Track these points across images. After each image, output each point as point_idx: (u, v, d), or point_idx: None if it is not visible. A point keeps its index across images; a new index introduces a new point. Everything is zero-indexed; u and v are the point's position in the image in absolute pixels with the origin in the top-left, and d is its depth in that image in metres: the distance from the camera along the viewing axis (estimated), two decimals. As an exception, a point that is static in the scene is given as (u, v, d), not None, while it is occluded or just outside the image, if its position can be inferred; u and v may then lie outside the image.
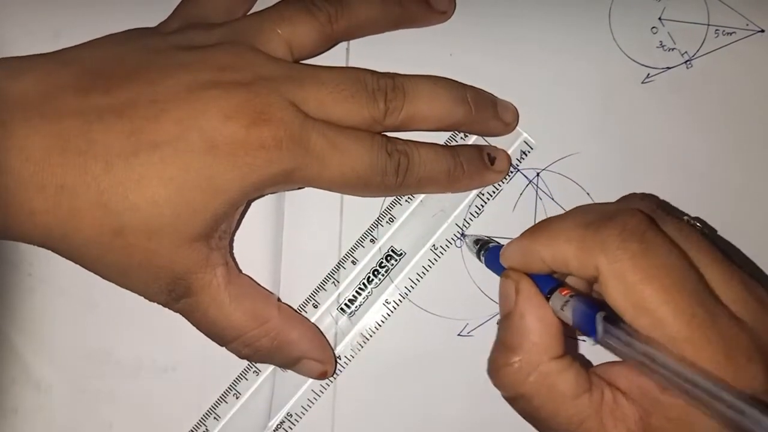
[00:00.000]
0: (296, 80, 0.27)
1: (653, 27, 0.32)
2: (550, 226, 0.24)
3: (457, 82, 0.30)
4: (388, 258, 0.31)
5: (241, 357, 0.28)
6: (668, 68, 0.32)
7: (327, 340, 0.30)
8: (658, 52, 0.32)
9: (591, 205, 0.27)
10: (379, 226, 0.31)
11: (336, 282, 0.31)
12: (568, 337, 0.25)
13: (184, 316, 0.27)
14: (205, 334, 0.28)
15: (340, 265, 0.31)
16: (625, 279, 0.22)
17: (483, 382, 0.31)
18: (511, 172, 0.31)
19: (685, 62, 0.32)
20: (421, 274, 0.31)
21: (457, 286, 0.31)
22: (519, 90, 0.31)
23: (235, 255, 0.30)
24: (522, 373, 0.23)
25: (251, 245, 0.31)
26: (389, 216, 0.31)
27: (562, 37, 0.32)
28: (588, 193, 0.31)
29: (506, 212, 0.31)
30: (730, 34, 0.32)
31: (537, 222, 0.26)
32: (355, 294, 0.31)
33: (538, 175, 0.31)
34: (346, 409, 0.31)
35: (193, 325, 0.28)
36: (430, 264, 0.31)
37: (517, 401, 0.24)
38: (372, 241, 0.31)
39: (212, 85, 0.26)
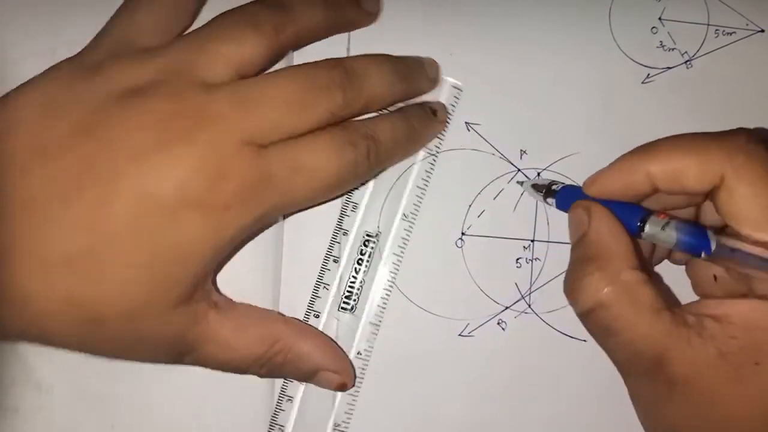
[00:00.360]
0: (246, 108, 0.25)
1: (653, 27, 0.32)
2: (659, 144, 0.25)
3: (391, 56, 0.29)
4: (366, 243, 0.31)
5: (261, 377, 0.28)
6: (668, 68, 0.32)
7: (342, 350, 0.30)
8: (658, 52, 0.32)
9: (689, 133, 0.26)
10: (345, 216, 0.31)
11: (326, 286, 0.31)
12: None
13: (197, 366, 0.27)
14: (224, 372, 0.28)
15: (323, 267, 0.31)
16: (755, 185, 0.22)
17: (483, 382, 0.31)
18: (512, 172, 0.31)
19: (685, 62, 0.32)
20: (403, 246, 0.31)
21: (457, 286, 0.31)
22: (519, 90, 0.32)
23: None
24: (602, 280, 0.23)
25: (245, 268, 0.30)
26: (351, 204, 0.31)
27: (562, 37, 0.32)
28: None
29: (506, 212, 0.31)
30: (730, 34, 0.32)
31: (635, 147, 0.26)
32: (349, 289, 0.31)
33: (538, 175, 0.31)
34: (346, 408, 0.31)
35: (210, 369, 0.28)
36: (408, 234, 0.31)
37: (595, 311, 0.24)
38: (345, 234, 0.31)
39: (159, 146, 0.23)
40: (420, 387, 0.31)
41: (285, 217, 0.31)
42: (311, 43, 0.30)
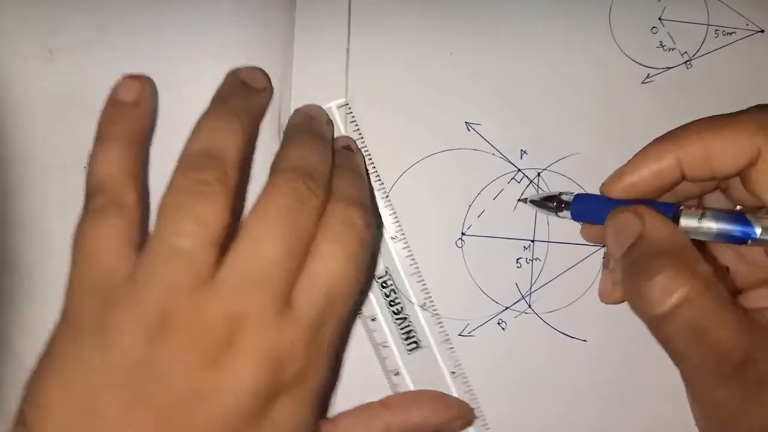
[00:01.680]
0: (251, 289, 0.23)
1: (653, 27, 0.32)
2: (685, 129, 0.24)
3: (300, 129, 0.29)
4: (384, 285, 0.31)
5: None
6: (668, 68, 0.32)
7: (443, 393, 0.30)
8: (658, 52, 0.32)
9: (712, 116, 0.25)
10: None
11: (384, 344, 0.31)
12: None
13: None
14: None
15: (368, 330, 0.31)
16: None
17: (483, 383, 0.31)
18: (512, 172, 0.32)
19: (685, 62, 0.32)
20: (413, 264, 0.31)
21: (457, 286, 0.31)
22: (519, 90, 0.32)
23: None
24: (680, 275, 0.22)
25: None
26: None
27: (562, 37, 0.32)
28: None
29: (506, 212, 0.31)
30: (730, 34, 0.32)
31: (659, 136, 0.25)
32: (402, 332, 0.31)
33: (538, 175, 0.31)
34: (345, 408, 0.31)
35: None
36: (408, 251, 0.31)
37: (677, 313, 0.22)
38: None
39: (208, 371, 0.23)
40: (388, 250, 0.31)
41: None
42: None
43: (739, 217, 0.23)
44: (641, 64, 0.32)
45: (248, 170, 0.29)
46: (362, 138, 0.31)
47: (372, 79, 0.32)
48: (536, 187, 0.31)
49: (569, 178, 0.31)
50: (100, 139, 0.27)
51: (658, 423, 0.31)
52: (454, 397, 0.30)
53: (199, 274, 0.23)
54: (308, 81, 0.31)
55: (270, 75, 0.31)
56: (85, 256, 0.25)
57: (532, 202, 0.30)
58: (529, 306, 0.31)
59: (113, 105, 0.28)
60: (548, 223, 0.31)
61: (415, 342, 0.31)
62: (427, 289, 0.31)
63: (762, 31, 0.32)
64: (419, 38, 0.32)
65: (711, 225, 0.23)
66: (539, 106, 0.31)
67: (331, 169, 0.27)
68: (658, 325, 0.22)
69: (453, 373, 0.30)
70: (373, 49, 0.32)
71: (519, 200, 0.31)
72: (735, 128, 0.23)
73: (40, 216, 0.32)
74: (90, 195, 0.26)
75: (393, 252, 0.31)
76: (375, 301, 0.31)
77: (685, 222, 0.24)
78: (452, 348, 0.31)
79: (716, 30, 0.32)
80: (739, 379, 0.21)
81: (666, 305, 0.22)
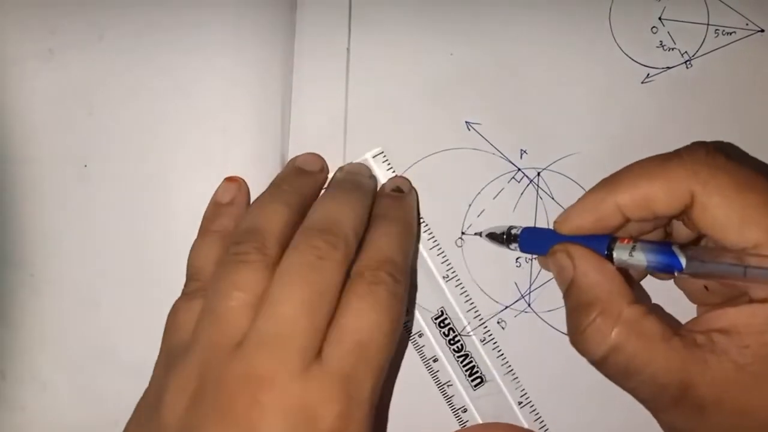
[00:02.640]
0: (280, 345, 0.24)
1: (653, 27, 0.32)
2: (622, 175, 0.25)
3: (338, 186, 0.30)
4: (442, 324, 0.31)
5: None
6: (668, 68, 0.32)
7: (515, 426, 0.30)
8: (658, 52, 0.32)
9: (649, 157, 0.26)
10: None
11: (449, 383, 0.31)
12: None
13: None
14: None
15: (431, 371, 0.31)
16: (726, 194, 0.22)
17: (482, 382, 0.31)
18: (512, 171, 0.32)
19: (685, 62, 0.32)
20: (467, 300, 0.31)
21: (457, 286, 0.31)
22: (519, 90, 0.32)
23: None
24: (606, 325, 0.23)
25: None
26: None
27: (562, 37, 0.32)
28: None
29: (506, 212, 0.31)
30: (730, 34, 0.32)
31: (600, 181, 0.26)
32: (466, 368, 0.31)
33: (538, 174, 0.32)
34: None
35: None
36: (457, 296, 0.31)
37: (608, 358, 0.23)
38: (420, 335, 0.31)
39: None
40: (441, 290, 0.31)
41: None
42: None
43: (666, 250, 0.23)
44: (641, 64, 0.32)
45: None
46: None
47: (372, 79, 0.32)
48: (536, 186, 0.31)
49: (569, 178, 0.31)
50: (202, 232, 0.30)
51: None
52: (527, 430, 0.30)
53: (232, 336, 0.24)
54: (309, 81, 0.32)
55: (270, 75, 0.31)
56: (169, 330, 0.28)
57: (488, 236, 0.31)
58: (529, 305, 0.31)
59: (214, 205, 0.31)
60: (548, 223, 0.31)
61: (480, 377, 0.31)
62: (485, 324, 0.31)
63: (762, 31, 0.32)
64: (419, 38, 0.32)
65: (641, 258, 0.24)
66: (539, 106, 0.32)
67: (369, 218, 0.28)
68: (598, 368, 0.24)
69: (520, 403, 0.31)
70: (373, 49, 0.32)
71: (475, 233, 0.31)
72: (667, 175, 0.23)
73: (40, 216, 0.32)
74: (187, 279, 0.29)
75: (447, 291, 0.31)
76: (434, 341, 0.31)
77: (618, 255, 0.24)
78: (517, 378, 0.31)
79: (716, 30, 0.32)
80: (679, 407, 0.23)
81: (597, 354, 0.23)
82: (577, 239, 0.26)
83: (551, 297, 0.31)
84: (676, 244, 0.23)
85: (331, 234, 0.26)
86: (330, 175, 0.31)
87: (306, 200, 0.29)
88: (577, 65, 0.32)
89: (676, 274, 0.23)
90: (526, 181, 0.32)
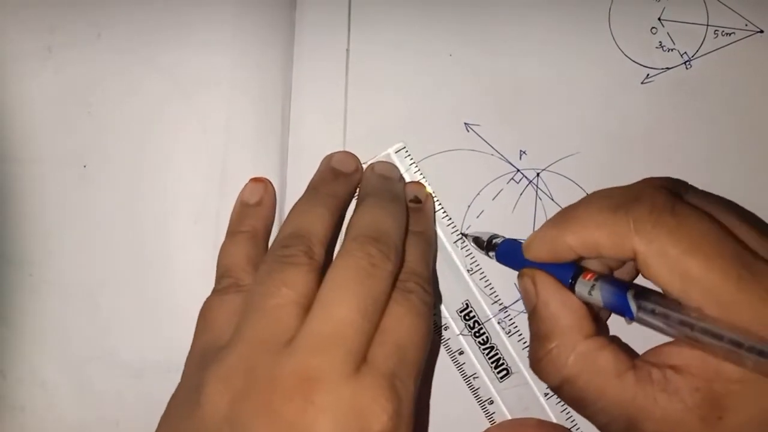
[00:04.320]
0: (330, 347, 0.24)
1: (653, 27, 0.32)
2: (575, 214, 0.25)
3: (376, 193, 0.30)
4: (467, 317, 0.31)
5: None
6: (668, 68, 0.32)
7: (544, 422, 0.30)
8: (657, 53, 0.32)
9: (610, 189, 0.26)
10: None
11: (475, 375, 0.31)
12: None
13: None
14: None
15: (459, 366, 0.31)
16: (666, 255, 0.22)
17: (482, 382, 0.31)
18: (511, 172, 0.32)
19: (685, 62, 0.32)
20: (491, 293, 0.31)
21: (457, 286, 0.31)
22: (518, 90, 0.32)
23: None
24: (561, 357, 0.24)
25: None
26: None
27: (562, 37, 0.32)
28: (587, 193, 0.31)
29: (506, 212, 0.32)
30: (730, 34, 0.32)
31: (559, 211, 0.26)
32: (492, 360, 0.31)
33: (538, 175, 0.32)
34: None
35: None
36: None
37: (563, 388, 0.24)
38: (446, 328, 0.31)
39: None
40: (420, 387, 0.31)
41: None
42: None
43: (620, 296, 0.23)
44: (641, 65, 0.32)
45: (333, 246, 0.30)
46: (425, 178, 0.32)
47: (372, 80, 0.32)
48: (535, 187, 0.31)
49: (569, 178, 0.31)
50: (230, 232, 0.31)
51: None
52: (556, 424, 0.31)
53: (281, 334, 0.24)
54: (309, 81, 0.32)
55: (270, 75, 0.31)
56: (202, 326, 0.28)
57: (473, 240, 0.31)
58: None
59: (241, 204, 0.31)
60: (547, 223, 0.31)
61: (506, 369, 0.31)
62: (509, 315, 0.31)
63: (761, 31, 0.32)
64: (419, 39, 0.32)
65: (598, 299, 0.24)
66: (539, 107, 0.32)
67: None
68: (555, 393, 0.25)
69: (546, 395, 0.31)
70: (373, 49, 0.32)
71: (461, 234, 0.31)
72: (613, 228, 0.23)
73: (39, 216, 0.32)
74: (218, 278, 0.29)
75: (471, 284, 0.31)
76: (460, 335, 0.31)
77: (579, 290, 0.25)
78: None
79: (716, 30, 0.32)
80: None
81: (552, 383, 0.25)
82: (544, 265, 0.26)
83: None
84: (633, 289, 0.23)
85: (384, 243, 0.26)
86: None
87: (343, 203, 0.30)
88: (577, 66, 0.32)
89: (626, 320, 0.23)
90: (525, 182, 0.32)
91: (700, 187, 0.31)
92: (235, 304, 0.27)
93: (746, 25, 0.32)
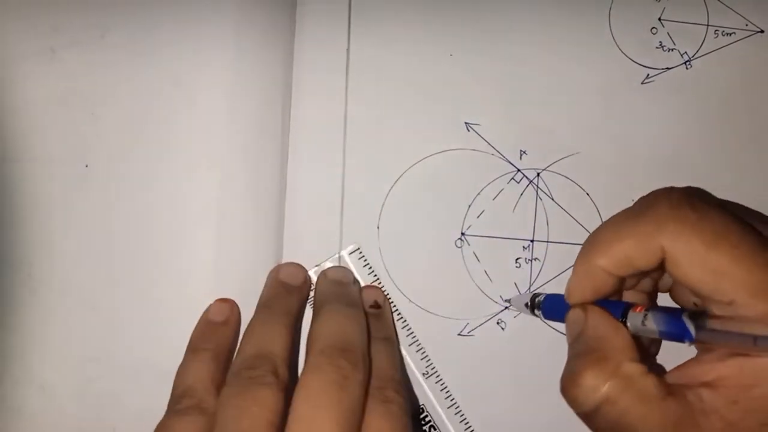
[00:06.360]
0: None
1: (653, 27, 0.32)
2: (597, 237, 0.24)
3: (338, 300, 0.29)
4: None
5: None
6: (668, 69, 0.32)
7: None
8: (657, 53, 0.32)
9: (623, 210, 0.26)
10: None
11: None
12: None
13: None
14: None
15: None
16: (693, 248, 0.22)
17: (483, 382, 0.31)
18: (512, 172, 0.32)
19: (685, 63, 0.32)
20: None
21: (457, 286, 0.31)
22: (518, 90, 0.32)
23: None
24: (602, 376, 0.23)
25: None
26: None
27: (562, 37, 0.32)
28: (588, 194, 0.31)
29: (506, 212, 0.31)
30: (730, 34, 0.32)
31: (582, 245, 0.26)
32: None
33: (538, 175, 0.32)
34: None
35: None
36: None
37: (599, 410, 0.23)
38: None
39: None
40: (421, 387, 0.31)
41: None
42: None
43: (676, 320, 0.22)
44: (641, 65, 0.32)
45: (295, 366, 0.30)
46: (379, 281, 0.31)
47: (372, 79, 0.32)
48: (536, 187, 0.31)
49: (569, 179, 0.31)
50: (192, 349, 0.30)
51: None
52: None
53: None
54: (308, 81, 0.32)
55: (270, 75, 0.31)
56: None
57: (512, 300, 0.31)
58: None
59: (205, 323, 0.31)
60: (547, 223, 0.31)
61: None
62: (466, 420, 0.31)
63: (762, 31, 0.32)
64: (419, 39, 0.32)
65: (653, 327, 0.23)
66: (539, 106, 0.32)
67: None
68: (585, 421, 0.23)
69: None
70: (373, 49, 0.32)
71: (505, 300, 0.31)
72: (637, 233, 0.23)
73: (39, 216, 0.32)
74: (177, 397, 0.28)
75: (427, 388, 0.31)
76: None
77: (631, 323, 0.24)
78: None
79: (716, 30, 0.32)
80: None
81: (587, 404, 0.23)
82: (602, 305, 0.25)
83: (551, 298, 0.31)
84: (686, 312, 0.23)
85: (351, 353, 0.26)
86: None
87: (298, 318, 0.30)
88: (577, 65, 0.32)
89: (686, 343, 0.23)
90: (525, 181, 0.32)
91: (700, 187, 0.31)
92: (198, 427, 0.26)
93: (746, 25, 0.32)
